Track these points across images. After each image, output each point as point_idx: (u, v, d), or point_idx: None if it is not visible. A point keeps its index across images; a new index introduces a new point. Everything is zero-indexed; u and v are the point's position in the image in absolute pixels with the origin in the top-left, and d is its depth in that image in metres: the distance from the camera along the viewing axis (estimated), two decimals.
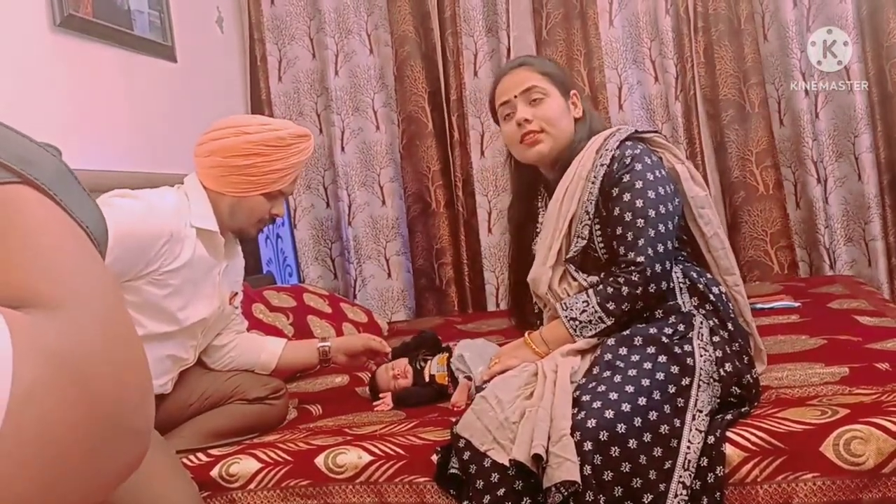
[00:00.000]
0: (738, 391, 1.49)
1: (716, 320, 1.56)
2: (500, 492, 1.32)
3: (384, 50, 3.29)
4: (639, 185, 1.55)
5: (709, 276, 1.63)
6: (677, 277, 1.59)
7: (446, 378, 1.85)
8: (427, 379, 1.87)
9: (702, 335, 1.51)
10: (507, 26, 3.17)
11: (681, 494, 1.30)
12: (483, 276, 3.21)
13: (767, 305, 2.42)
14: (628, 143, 1.62)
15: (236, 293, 1.82)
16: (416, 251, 3.29)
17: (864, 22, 3.00)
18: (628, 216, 1.54)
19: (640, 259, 1.52)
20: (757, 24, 3.10)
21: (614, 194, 1.57)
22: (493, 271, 3.20)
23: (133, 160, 2.38)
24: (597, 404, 1.36)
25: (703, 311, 1.56)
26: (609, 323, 1.55)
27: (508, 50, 3.16)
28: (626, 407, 1.36)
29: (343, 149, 3.27)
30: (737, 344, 1.55)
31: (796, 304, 2.41)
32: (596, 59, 3.13)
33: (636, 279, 1.52)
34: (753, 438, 1.37)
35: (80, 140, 2.18)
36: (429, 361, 1.90)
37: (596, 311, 1.55)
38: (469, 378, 1.77)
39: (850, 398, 1.48)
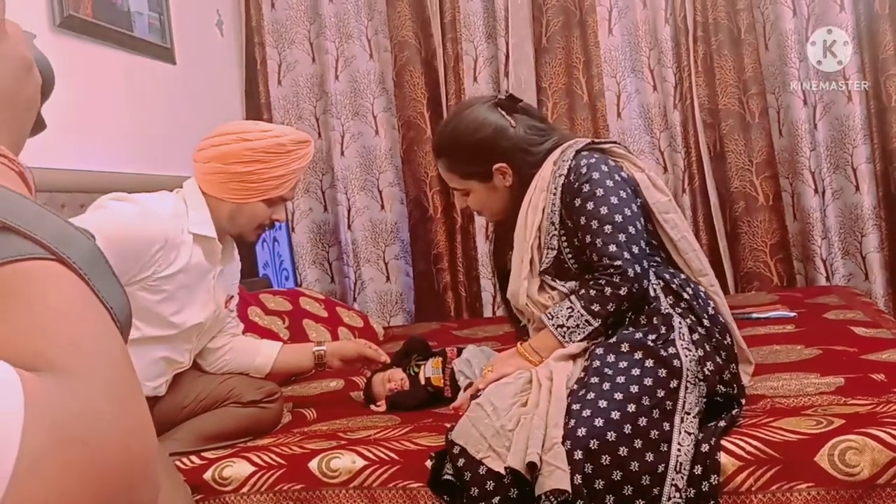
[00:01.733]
0: (724, 389, 1.49)
1: (692, 318, 1.56)
2: (496, 499, 1.33)
3: (384, 55, 3.29)
4: (599, 192, 1.56)
5: (682, 276, 1.63)
6: (650, 280, 1.60)
7: (443, 381, 1.85)
8: (423, 382, 1.87)
9: (682, 335, 1.51)
10: (506, 33, 3.17)
11: (674, 497, 1.30)
12: (480, 283, 3.21)
13: (763, 315, 2.42)
14: (584, 153, 1.63)
15: (232, 297, 1.81)
16: (416, 256, 3.30)
17: (862, 33, 3.01)
18: (594, 224, 1.55)
19: (618, 263, 1.52)
20: (758, 33, 3.11)
21: (577, 205, 1.57)
22: (489, 278, 3.20)
23: (131, 161, 2.37)
24: (586, 413, 1.37)
25: (679, 310, 1.56)
26: (596, 325, 1.54)
27: (507, 56, 3.16)
28: (615, 415, 1.36)
29: (343, 153, 3.27)
30: (714, 340, 1.55)
31: (792, 314, 2.41)
32: (595, 68, 3.14)
33: (618, 281, 1.52)
34: (748, 447, 1.37)
35: (78, 140, 2.17)
36: (423, 366, 1.90)
37: (582, 315, 1.55)
38: None
39: (846, 408, 1.48)
